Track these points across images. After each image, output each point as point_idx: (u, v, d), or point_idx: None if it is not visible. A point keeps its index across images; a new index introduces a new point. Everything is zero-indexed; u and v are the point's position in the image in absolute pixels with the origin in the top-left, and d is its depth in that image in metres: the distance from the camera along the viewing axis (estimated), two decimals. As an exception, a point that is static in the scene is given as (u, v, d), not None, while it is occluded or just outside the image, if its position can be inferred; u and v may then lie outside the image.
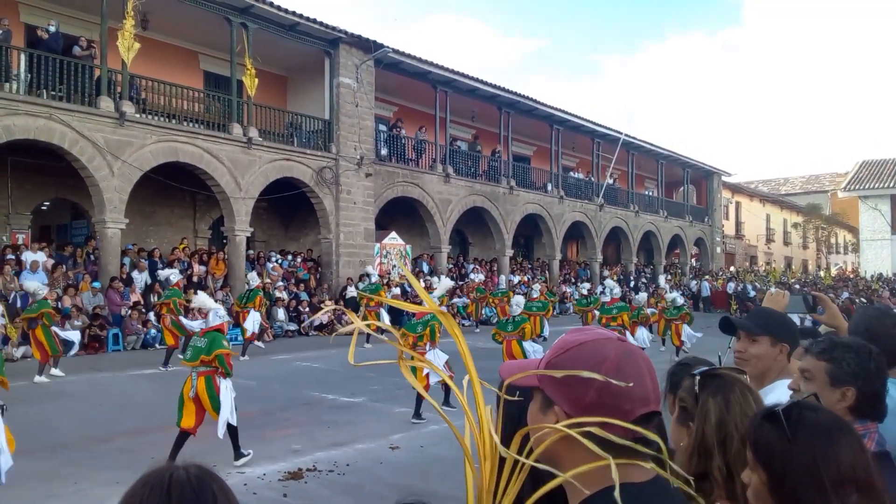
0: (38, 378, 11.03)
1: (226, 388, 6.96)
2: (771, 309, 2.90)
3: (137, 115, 15.91)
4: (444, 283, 12.10)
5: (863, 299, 24.01)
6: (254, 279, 15.26)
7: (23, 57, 14.76)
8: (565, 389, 1.16)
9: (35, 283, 12.16)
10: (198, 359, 6.92)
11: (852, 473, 1.37)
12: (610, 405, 1.13)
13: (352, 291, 19.33)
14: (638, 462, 1.13)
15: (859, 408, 2.04)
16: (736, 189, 46.27)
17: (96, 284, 15.45)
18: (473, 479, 1.23)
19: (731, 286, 32.27)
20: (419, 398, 8.62)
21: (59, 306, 13.85)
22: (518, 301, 11.75)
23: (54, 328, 11.60)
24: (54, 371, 11.50)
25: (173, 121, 16.83)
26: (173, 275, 13.99)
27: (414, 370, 7.99)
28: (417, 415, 8.81)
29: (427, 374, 7.61)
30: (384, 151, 22.54)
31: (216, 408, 6.81)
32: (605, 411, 1.13)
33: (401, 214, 23.93)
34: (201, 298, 8.56)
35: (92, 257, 16.51)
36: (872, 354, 2.10)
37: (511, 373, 1.27)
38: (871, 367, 2.07)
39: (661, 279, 18.55)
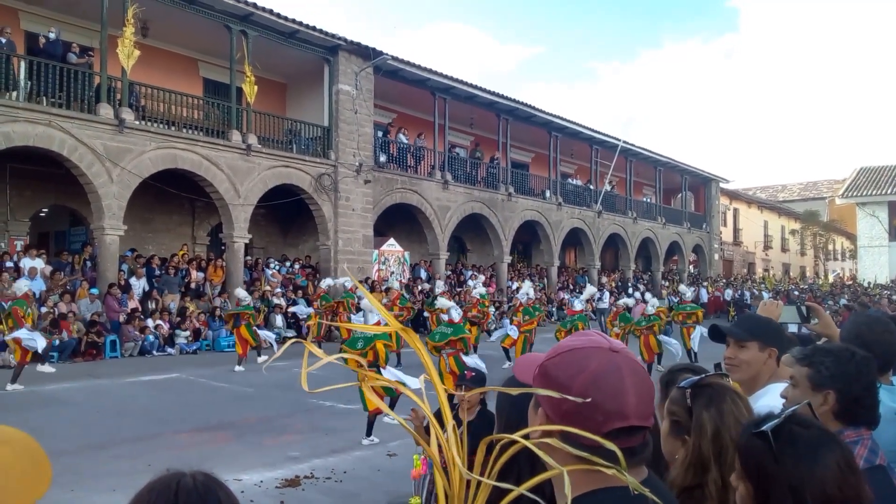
0: (237, 367, 13.41)
1: (470, 360, 8.89)
2: (758, 314, 2.92)
3: (137, 122, 15.94)
4: (588, 290, 15.96)
5: (857, 305, 24.01)
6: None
7: (23, 64, 14.80)
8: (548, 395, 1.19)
9: (243, 292, 14.70)
10: (445, 340, 9.91)
11: (839, 494, 1.37)
12: (584, 415, 1.15)
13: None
14: (608, 468, 1.14)
15: (843, 412, 2.02)
16: (734, 196, 46.35)
17: (94, 291, 15.46)
18: (444, 487, 1.27)
19: (728, 293, 32.30)
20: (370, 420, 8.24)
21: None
22: (653, 302, 14.47)
23: (254, 327, 14.17)
24: (260, 359, 13.93)
25: (173, 128, 16.86)
26: (347, 280, 15.86)
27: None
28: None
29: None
30: (383, 158, 22.58)
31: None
32: (579, 420, 1.16)
33: (399, 221, 23.96)
34: (442, 301, 12.21)
35: (90, 264, 16.52)
36: (855, 358, 2.08)
37: (523, 367, 1.34)
38: (850, 370, 2.05)
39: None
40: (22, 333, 11.15)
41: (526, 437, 1.20)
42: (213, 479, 1.18)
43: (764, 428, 1.42)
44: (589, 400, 1.15)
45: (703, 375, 1.98)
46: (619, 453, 1.12)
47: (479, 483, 1.22)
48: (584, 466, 1.13)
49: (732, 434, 1.76)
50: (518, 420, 1.40)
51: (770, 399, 2.28)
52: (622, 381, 1.18)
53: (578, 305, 14.67)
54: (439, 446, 1.35)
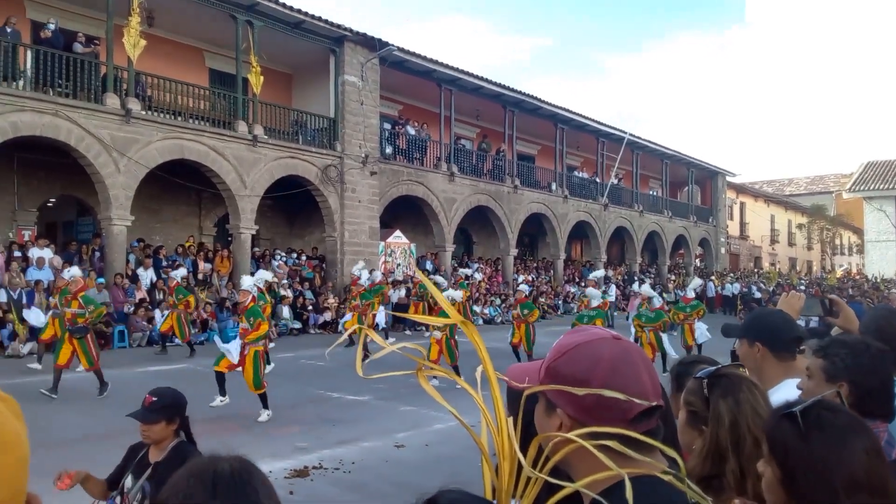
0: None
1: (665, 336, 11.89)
2: (759, 310, 2.95)
3: (143, 113, 15.93)
4: (696, 281, 17.89)
5: (869, 300, 23.96)
6: (376, 276, 16.66)
7: (29, 54, 14.78)
8: (565, 393, 1.18)
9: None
10: (651, 323, 12.70)
11: (864, 478, 1.36)
12: (609, 405, 1.15)
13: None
14: (649, 460, 1.15)
15: (857, 404, 2.00)
16: (740, 189, 46.16)
17: (101, 281, 15.47)
18: (492, 479, 1.23)
19: (736, 287, 32.18)
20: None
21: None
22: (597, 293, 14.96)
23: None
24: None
25: (179, 118, 16.84)
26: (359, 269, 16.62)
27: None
28: None
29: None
30: (389, 150, 22.54)
31: None
32: (604, 411, 1.16)
33: (405, 213, 23.92)
34: (646, 288, 14.51)
35: (98, 254, 16.53)
36: (870, 350, 2.09)
37: (516, 375, 1.31)
38: (864, 363, 2.06)
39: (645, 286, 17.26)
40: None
41: (586, 437, 1.16)
42: (248, 465, 1.15)
43: (794, 410, 1.42)
44: (610, 393, 1.15)
45: (720, 366, 1.98)
46: (677, 458, 1.16)
47: (528, 479, 1.20)
48: (639, 470, 1.12)
49: (749, 423, 1.77)
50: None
51: (782, 395, 2.22)
52: (635, 365, 1.20)
53: (691, 294, 15.55)
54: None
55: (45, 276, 14.78)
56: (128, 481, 3.26)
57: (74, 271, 10.80)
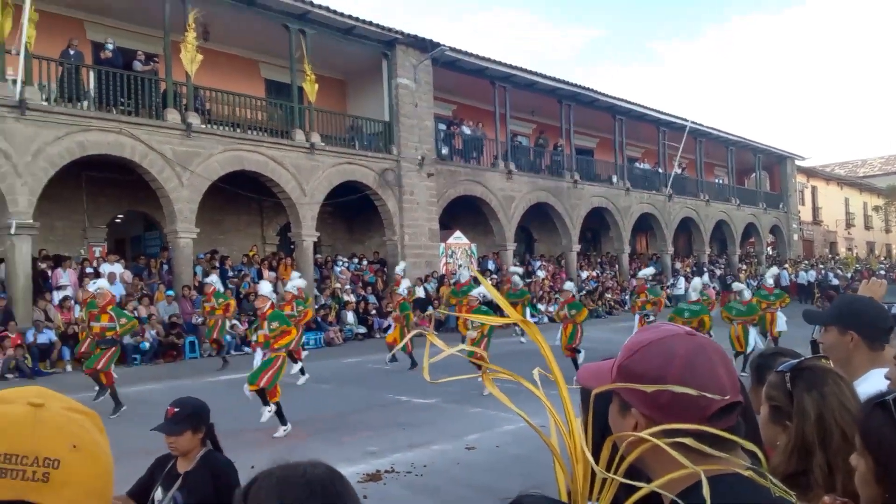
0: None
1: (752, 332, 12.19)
2: (850, 297, 2.80)
3: (203, 126, 16.18)
4: (772, 270, 17.25)
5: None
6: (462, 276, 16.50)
7: (91, 74, 15.17)
8: (639, 392, 1.15)
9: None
10: (741, 317, 12.35)
11: None
12: (684, 404, 1.11)
13: (420, 292, 19.21)
14: (730, 457, 1.11)
15: None
16: (811, 173, 44.46)
17: (170, 293, 15.76)
18: (566, 482, 1.19)
19: (811, 274, 30.87)
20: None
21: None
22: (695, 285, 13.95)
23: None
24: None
25: (238, 130, 17.06)
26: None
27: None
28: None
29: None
30: (445, 150, 22.39)
31: None
32: (681, 409, 1.12)
33: (464, 213, 23.74)
34: (739, 284, 14.56)
35: (166, 267, 16.87)
36: None
37: (588, 376, 1.29)
38: None
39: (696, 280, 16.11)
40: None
41: (660, 435, 1.13)
42: (335, 470, 1.14)
43: (887, 399, 1.36)
44: (689, 391, 1.10)
45: (802, 358, 1.92)
46: (758, 452, 1.14)
47: (603, 480, 1.17)
48: (718, 467, 1.08)
49: (836, 417, 1.73)
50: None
51: (869, 386, 2.10)
52: (711, 360, 1.16)
53: (770, 282, 15.51)
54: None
55: (116, 292, 15.09)
56: (157, 494, 3.19)
57: (101, 283, 10.59)
